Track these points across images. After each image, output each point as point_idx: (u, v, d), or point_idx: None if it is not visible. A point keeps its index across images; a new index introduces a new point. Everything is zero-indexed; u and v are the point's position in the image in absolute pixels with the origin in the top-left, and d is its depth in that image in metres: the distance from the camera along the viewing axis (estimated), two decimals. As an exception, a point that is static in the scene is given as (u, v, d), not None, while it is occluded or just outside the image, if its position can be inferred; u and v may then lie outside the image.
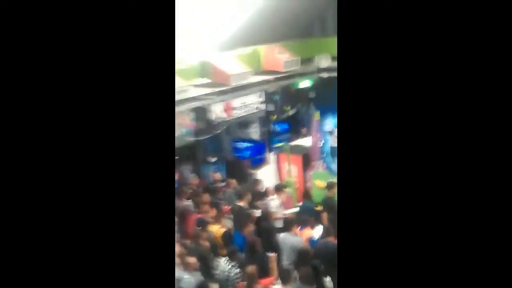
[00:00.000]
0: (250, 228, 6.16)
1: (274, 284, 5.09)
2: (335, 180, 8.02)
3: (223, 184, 8.19)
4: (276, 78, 10.24)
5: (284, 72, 10.36)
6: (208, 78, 8.65)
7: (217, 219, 6.50)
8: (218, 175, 8.55)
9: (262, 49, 10.34)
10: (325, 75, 11.41)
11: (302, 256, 5.71)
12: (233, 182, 8.03)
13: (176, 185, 7.15)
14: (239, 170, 9.25)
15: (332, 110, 8.59)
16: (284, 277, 5.00)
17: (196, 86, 7.96)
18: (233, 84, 9.07)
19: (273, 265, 5.60)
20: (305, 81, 10.99)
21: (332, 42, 12.26)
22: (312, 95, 11.59)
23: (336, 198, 7.47)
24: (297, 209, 7.64)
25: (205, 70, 8.24)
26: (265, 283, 5.16)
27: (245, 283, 5.16)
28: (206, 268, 5.47)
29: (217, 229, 6.25)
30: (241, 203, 6.91)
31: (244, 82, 9.34)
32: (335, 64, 11.51)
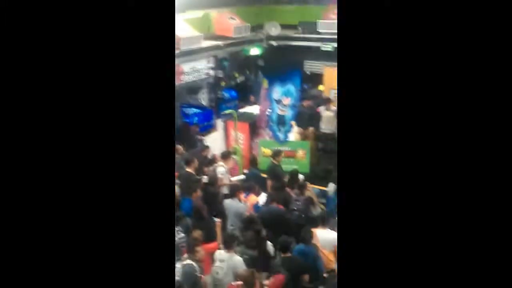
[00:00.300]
0: (198, 193, 6.28)
1: (218, 249, 5.25)
2: (280, 148, 8.28)
3: None
4: (225, 44, 10.21)
5: (234, 38, 10.35)
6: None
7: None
8: None
9: (213, 13, 10.24)
10: (274, 43, 11.52)
11: (246, 222, 5.92)
12: (180, 148, 8.05)
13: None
14: (187, 136, 9.26)
15: (280, 79, 8.72)
16: (228, 242, 5.18)
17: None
18: (183, 48, 8.96)
19: (218, 231, 5.76)
20: (254, 48, 11.05)
21: (282, 11, 12.35)
22: (261, 62, 11.68)
23: (281, 166, 7.74)
24: (243, 176, 7.81)
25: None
26: (210, 248, 5.32)
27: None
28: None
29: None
30: (189, 169, 6.99)
31: (194, 46, 9.25)
32: (284, 32, 11.60)
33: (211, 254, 5.19)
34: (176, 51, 8.79)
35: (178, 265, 4.77)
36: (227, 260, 4.99)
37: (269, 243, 5.53)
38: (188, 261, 4.77)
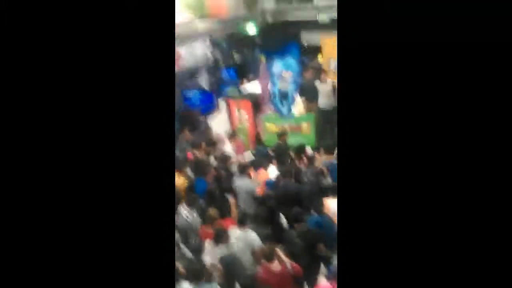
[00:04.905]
0: (212, 174, 6.37)
1: (234, 226, 5.34)
2: (286, 126, 8.29)
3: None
4: (221, 23, 10.15)
5: (229, 17, 10.28)
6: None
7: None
8: None
9: (205, -6, 10.16)
10: (269, 19, 11.41)
11: (258, 200, 6.02)
12: (187, 132, 8.10)
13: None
14: (190, 120, 9.29)
15: (279, 53, 8.67)
16: (242, 220, 5.27)
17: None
18: (178, 31, 8.93)
19: (233, 208, 5.86)
20: (250, 25, 10.96)
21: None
22: (258, 39, 11.60)
23: (287, 145, 7.74)
24: (251, 155, 7.85)
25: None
26: (226, 224, 5.42)
27: (206, 226, 5.41)
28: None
29: (177, 180, 6.39)
30: (198, 152, 7.05)
31: (190, 29, 9.21)
32: (278, 6, 11.48)
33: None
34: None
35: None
36: (243, 238, 5.09)
37: (282, 216, 5.62)
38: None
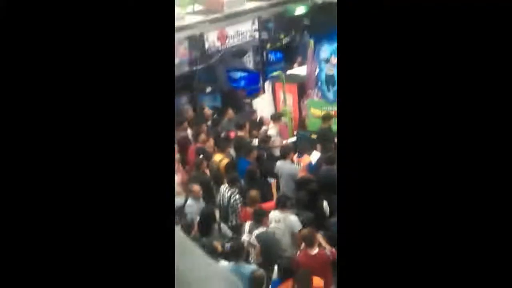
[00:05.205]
0: (255, 154, 6.35)
1: (274, 209, 5.29)
2: (330, 111, 8.09)
3: (215, 117, 8.21)
4: (269, 4, 10.00)
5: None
6: (201, 5, 8.44)
7: (217, 148, 6.64)
8: (208, 111, 8.52)
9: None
10: (320, 0, 11.13)
11: (299, 184, 5.95)
12: (230, 112, 8.07)
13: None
14: (235, 100, 9.26)
15: (327, 37, 8.44)
16: (282, 203, 5.21)
17: (189, 13, 7.76)
18: (227, 10, 8.87)
19: (274, 191, 5.82)
20: (299, 7, 10.75)
21: (327, -35, 11.78)
22: (306, 22, 11.35)
23: (333, 129, 7.56)
24: (294, 138, 7.76)
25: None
26: (266, 207, 5.39)
27: (246, 207, 5.39)
28: (208, 195, 5.68)
29: (220, 159, 6.43)
30: (241, 132, 7.03)
31: (238, 8, 9.13)
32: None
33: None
34: (219, 15, 8.71)
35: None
36: (283, 221, 5.03)
37: (325, 203, 5.52)
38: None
